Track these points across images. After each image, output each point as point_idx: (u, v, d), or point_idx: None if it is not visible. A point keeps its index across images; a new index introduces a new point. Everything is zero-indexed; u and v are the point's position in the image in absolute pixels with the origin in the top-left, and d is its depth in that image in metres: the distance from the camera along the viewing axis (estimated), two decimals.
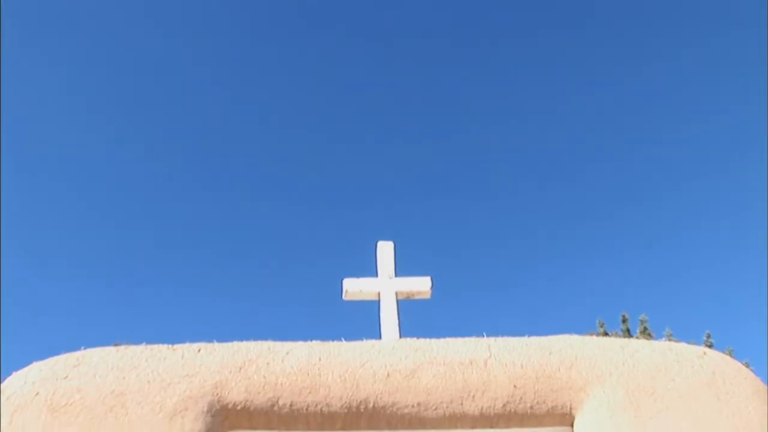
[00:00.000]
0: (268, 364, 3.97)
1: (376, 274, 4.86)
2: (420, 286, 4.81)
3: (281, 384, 3.90)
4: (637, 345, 4.28)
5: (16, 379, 3.93)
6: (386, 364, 4.00)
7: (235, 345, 4.12)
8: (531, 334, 4.33)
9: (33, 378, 3.89)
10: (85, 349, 4.13)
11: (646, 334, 16.50)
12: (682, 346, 4.31)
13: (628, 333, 17.17)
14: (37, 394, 3.79)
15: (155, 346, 4.13)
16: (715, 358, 4.20)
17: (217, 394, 3.85)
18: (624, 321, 17.46)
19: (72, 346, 4.15)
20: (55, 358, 4.06)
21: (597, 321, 17.32)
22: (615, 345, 4.26)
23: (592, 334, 4.53)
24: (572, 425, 4.05)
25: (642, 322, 17.06)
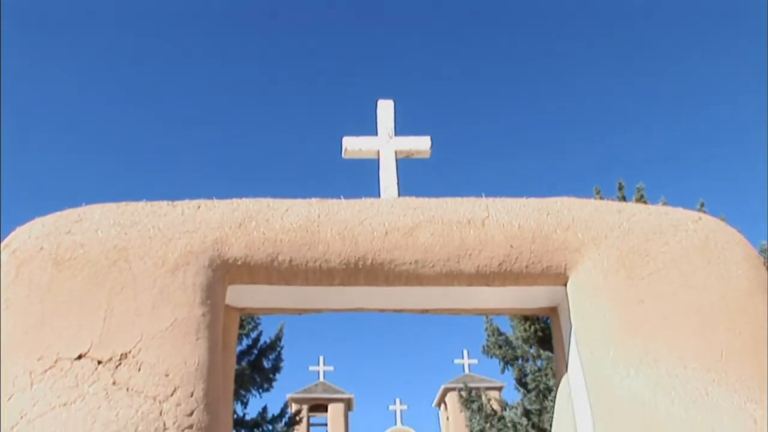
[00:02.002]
0: (267, 220, 3.99)
1: (375, 133, 4.79)
2: (419, 145, 4.75)
3: (280, 240, 3.94)
4: (634, 209, 4.30)
5: (20, 234, 3.96)
6: (385, 221, 4.03)
7: (235, 202, 4.13)
8: (529, 197, 4.34)
9: (36, 233, 3.92)
10: (85, 205, 4.14)
11: (642, 202, 16.60)
12: (678, 211, 4.33)
13: (624, 201, 17.28)
14: (42, 248, 3.83)
15: (155, 203, 4.14)
16: (710, 223, 4.23)
17: (218, 249, 3.89)
18: (620, 189, 17.55)
19: (71, 205, 4.17)
20: (57, 213, 4.08)
21: (594, 188, 17.41)
22: (612, 208, 4.28)
23: None
24: (566, 285, 4.14)
25: (638, 190, 17.14)
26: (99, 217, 4.01)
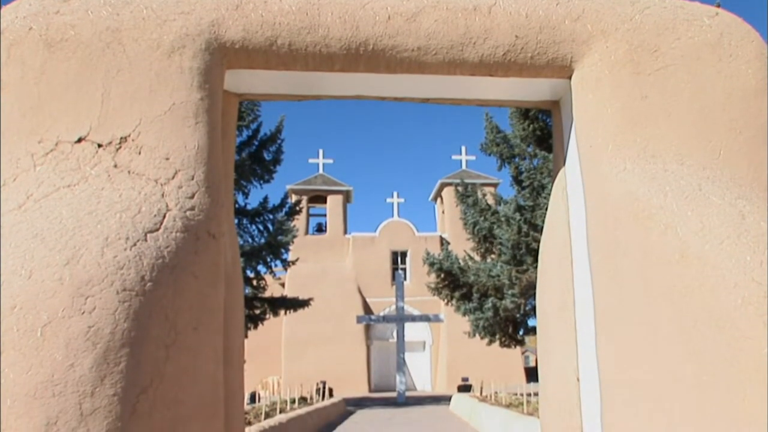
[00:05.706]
0: (265, 2, 3.83)
1: None
2: None
3: (279, 23, 3.80)
4: (648, 1, 4.11)
5: (5, 14, 3.81)
6: (387, 6, 3.87)
7: None
8: None
9: (23, 13, 3.77)
10: None
11: None
12: (694, 5, 4.15)
13: None
14: (31, 29, 3.70)
15: None
16: (727, 18, 4.08)
17: (215, 32, 3.77)
18: None
19: None
20: None
21: None
22: (625, 0, 4.10)
23: None
24: (570, 78, 4.07)
25: None
26: None
